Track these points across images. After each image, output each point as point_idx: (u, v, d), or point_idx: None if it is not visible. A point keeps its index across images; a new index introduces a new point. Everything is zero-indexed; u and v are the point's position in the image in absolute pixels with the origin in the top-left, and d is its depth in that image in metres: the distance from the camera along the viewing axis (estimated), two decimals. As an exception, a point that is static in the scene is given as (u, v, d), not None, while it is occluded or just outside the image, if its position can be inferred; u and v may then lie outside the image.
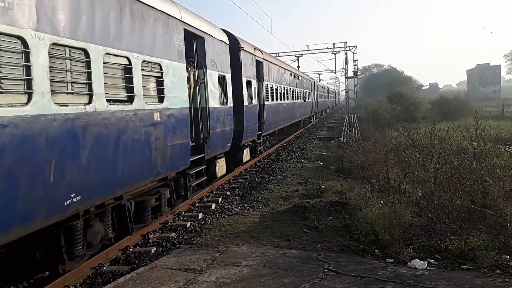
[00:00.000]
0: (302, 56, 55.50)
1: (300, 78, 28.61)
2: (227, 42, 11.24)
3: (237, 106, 12.10)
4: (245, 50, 12.96)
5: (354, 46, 54.89)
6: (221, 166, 10.69)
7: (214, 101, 9.82)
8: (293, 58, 54.92)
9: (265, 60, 16.39)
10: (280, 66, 20.83)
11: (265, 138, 17.15)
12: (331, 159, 15.51)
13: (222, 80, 10.60)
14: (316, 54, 58.05)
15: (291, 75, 23.93)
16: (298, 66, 52.24)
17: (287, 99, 21.86)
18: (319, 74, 74.06)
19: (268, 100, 16.44)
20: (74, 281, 5.32)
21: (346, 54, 55.14)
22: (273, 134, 19.98)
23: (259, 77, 15.34)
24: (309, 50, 55.78)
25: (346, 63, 57.31)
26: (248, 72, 13.29)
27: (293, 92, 24.21)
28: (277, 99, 18.72)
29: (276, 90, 18.73)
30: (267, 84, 16.52)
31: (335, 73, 63.53)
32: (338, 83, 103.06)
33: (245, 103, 12.79)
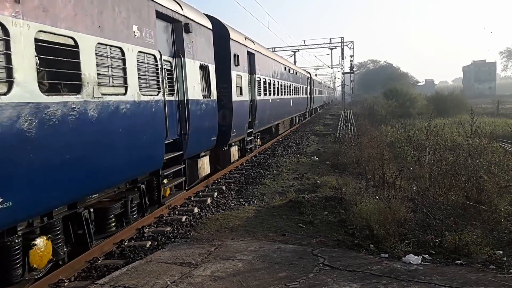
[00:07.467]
0: (298, 51, 55.49)
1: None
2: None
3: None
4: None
5: (351, 42, 55.01)
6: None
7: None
8: (289, 53, 54.86)
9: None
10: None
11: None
12: (326, 155, 15.55)
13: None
14: (313, 49, 58.04)
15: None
16: (295, 61, 52.18)
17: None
18: (316, 70, 74.01)
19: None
20: (69, 274, 5.30)
21: (342, 49, 55.24)
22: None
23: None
24: (306, 45, 55.77)
25: (342, 58, 57.34)
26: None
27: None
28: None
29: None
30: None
31: (332, 68, 63.60)
32: (335, 78, 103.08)
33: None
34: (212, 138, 9.96)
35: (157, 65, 6.88)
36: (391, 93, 40.99)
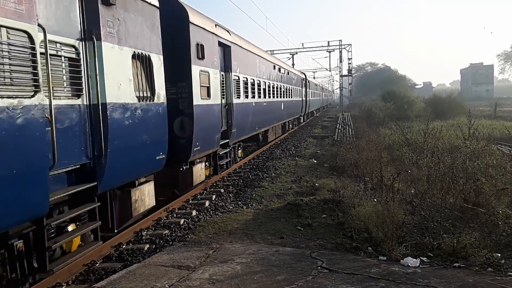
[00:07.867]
0: (297, 53, 55.54)
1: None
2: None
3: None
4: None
5: (349, 45, 55.03)
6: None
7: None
8: (288, 55, 54.98)
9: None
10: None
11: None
12: (325, 157, 15.57)
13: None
14: (311, 52, 58.11)
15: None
16: (293, 64, 52.29)
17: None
18: (314, 72, 74.18)
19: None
20: (67, 278, 5.29)
21: (340, 52, 55.25)
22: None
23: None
24: (304, 47, 55.82)
25: (340, 61, 57.43)
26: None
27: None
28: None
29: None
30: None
31: (330, 71, 63.70)
32: (333, 81, 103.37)
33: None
34: (158, 157, 7.14)
35: (34, 49, 4.45)
36: (389, 96, 41.19)
